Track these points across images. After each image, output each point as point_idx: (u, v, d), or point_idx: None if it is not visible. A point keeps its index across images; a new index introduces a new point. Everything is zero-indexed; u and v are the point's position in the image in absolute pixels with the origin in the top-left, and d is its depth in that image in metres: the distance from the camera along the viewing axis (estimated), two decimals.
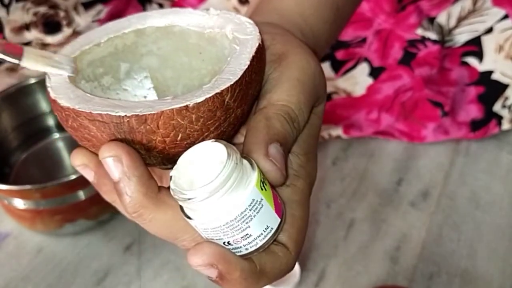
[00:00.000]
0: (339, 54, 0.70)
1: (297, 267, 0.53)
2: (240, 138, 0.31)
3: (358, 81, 0.70)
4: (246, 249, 0.25)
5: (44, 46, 0.69)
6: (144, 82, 0.34)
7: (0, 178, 0.63)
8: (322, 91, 0.31)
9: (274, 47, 0.31)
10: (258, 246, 0.25)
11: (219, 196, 0.23)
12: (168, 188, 0.25)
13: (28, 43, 0.69)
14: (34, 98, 0.66)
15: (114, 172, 0.25)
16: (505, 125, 0.68)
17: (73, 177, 0.52)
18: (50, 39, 0.69)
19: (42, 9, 0.69)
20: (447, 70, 0.70)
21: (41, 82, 0.64)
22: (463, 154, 0.69)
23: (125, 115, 0.24)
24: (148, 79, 0.34)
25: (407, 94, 0.69)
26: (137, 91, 0.34)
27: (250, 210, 0.24)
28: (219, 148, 0.24)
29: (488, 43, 0.67)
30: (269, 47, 0.31)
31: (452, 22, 0.69)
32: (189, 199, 0.24)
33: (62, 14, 0.69)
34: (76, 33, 0.70)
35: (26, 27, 0.69)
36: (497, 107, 0.68)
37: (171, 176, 0.25)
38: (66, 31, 0.70)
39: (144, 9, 0.76)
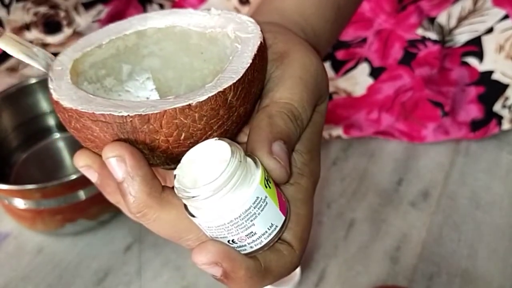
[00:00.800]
0: (340, 54, 0.70)
1: None
2: (243, 137, 0.31)
3: (358, 81, 0.70)
4: (251, 247, 0.25)
5: (44, 46, 0.69)
6: (146, 83, 0.34)
7: (1, 178, 0.63)
8: (325, 89, 0.31)
9: (276, 45, 0.31)
10: (263, 244, 0.25)
11: (223, 194, 0.23)
12: (172, 187, 0.25)
13: None
14: (35, 98, 0.65)
15: (117, 172, 0.25)
16: (505, 125, 0.68)
17: (74, 177, 0.52)
18: (50, 39, 0.69)
19: (43, 9, 0.68)
20: (447, 70, 0.70)
21: (42, 82, 0.64)
22: (463, 154, 0.69)
23: (128, 115, 0.24)
24: (150, 80, 0.34)
25: (407, 94, 0.69)
26: (139, 92, 0.34)
27: (254, 208, 0.24)
28: (222, 146, 0.24)
29: (489, 43, 0.67)
30: (271, 46, 0.31)
31: (453, 22, 0.69)
32: (193, 197, 0.23)
33: (62, 14, 0.69)
34: (76, 33, 0.70)
35: (27, 27, 0.68)
36: (497, 107, 0.68)
37: (175, 175, 0.25)
38: (67, 31, 0.70)
39: (144, 9, 0.76)
